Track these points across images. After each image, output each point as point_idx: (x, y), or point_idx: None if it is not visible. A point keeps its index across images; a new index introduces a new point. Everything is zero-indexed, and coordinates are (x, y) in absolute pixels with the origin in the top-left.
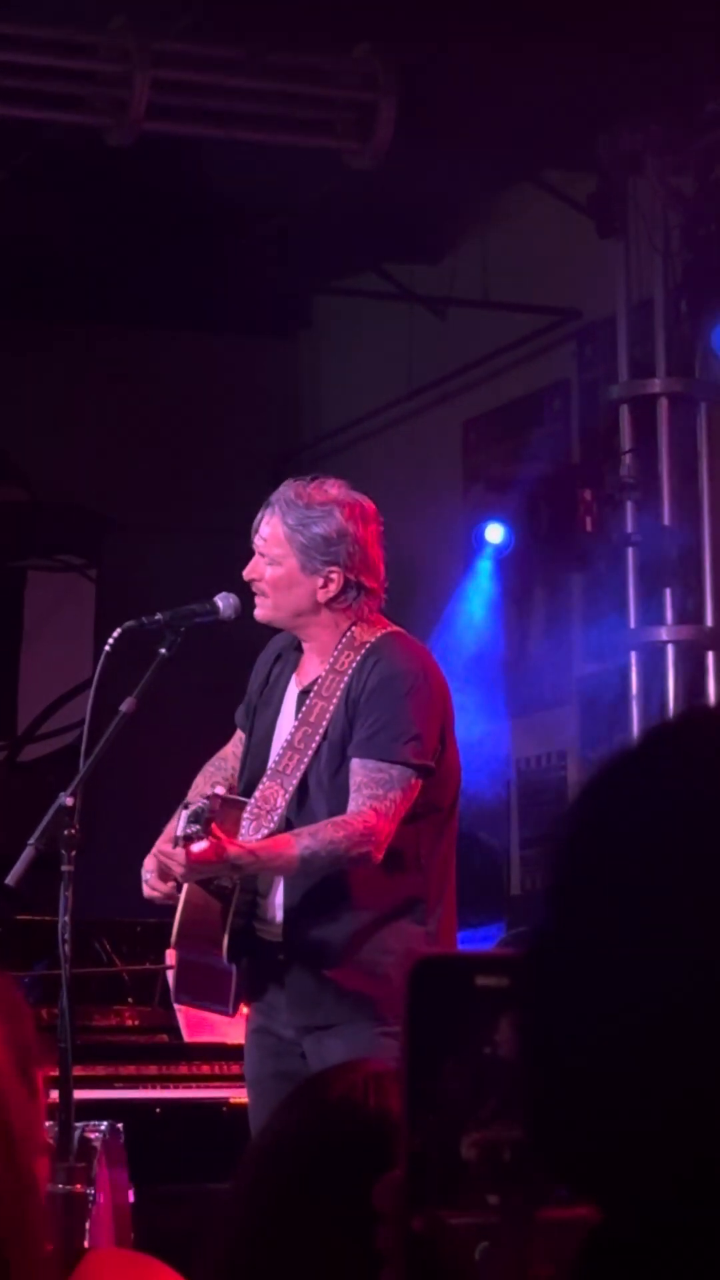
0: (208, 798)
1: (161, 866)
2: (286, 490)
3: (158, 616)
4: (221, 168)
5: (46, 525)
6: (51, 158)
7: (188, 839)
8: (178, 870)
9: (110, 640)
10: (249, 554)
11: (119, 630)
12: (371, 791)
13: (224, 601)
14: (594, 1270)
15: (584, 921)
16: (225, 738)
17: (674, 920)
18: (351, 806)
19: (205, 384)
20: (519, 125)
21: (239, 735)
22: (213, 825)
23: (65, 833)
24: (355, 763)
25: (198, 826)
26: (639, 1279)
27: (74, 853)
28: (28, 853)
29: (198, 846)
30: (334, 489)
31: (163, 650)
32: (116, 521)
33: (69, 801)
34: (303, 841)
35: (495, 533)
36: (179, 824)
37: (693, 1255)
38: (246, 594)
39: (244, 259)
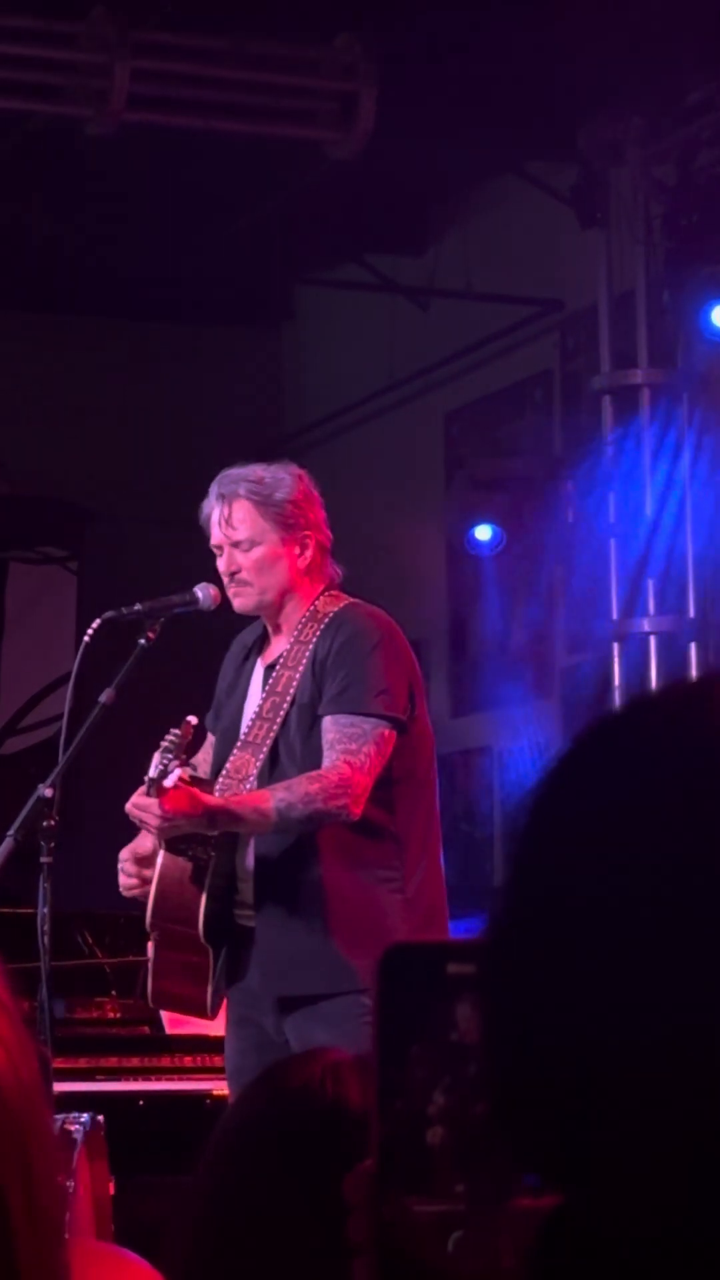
0: (180, 727)
1: (136, 821)
2: (231, 476)
3: (137, 606)
4: (202, 158)
5: (27, 517)
6: (31, 148)
7: (161, 775)
8: (153, 822)
9: (89, 631)
10: None
11: (98, 621)
12: (345, 746)
13: (203, 592)
14: (553, 1254)
15: (542, 903)
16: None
17: (635, 901)
18: (325, 762)
19: (187, 375)
20: (500, 116)
21: (210, 741)
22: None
23: (44, 824)
24: (326, 720)
25: (169, 757)
26: (601, 1263)
27: (53, 844)
28: (6, 844)
29: (170, 779)
30: (260, 468)
31: (142, 641)
32: (98, 513)
33: (48, 793)
34: (278, 794)
35: (484, 533)
36: (151, 766)
37: (658, 1237)
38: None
39: (226, 250)
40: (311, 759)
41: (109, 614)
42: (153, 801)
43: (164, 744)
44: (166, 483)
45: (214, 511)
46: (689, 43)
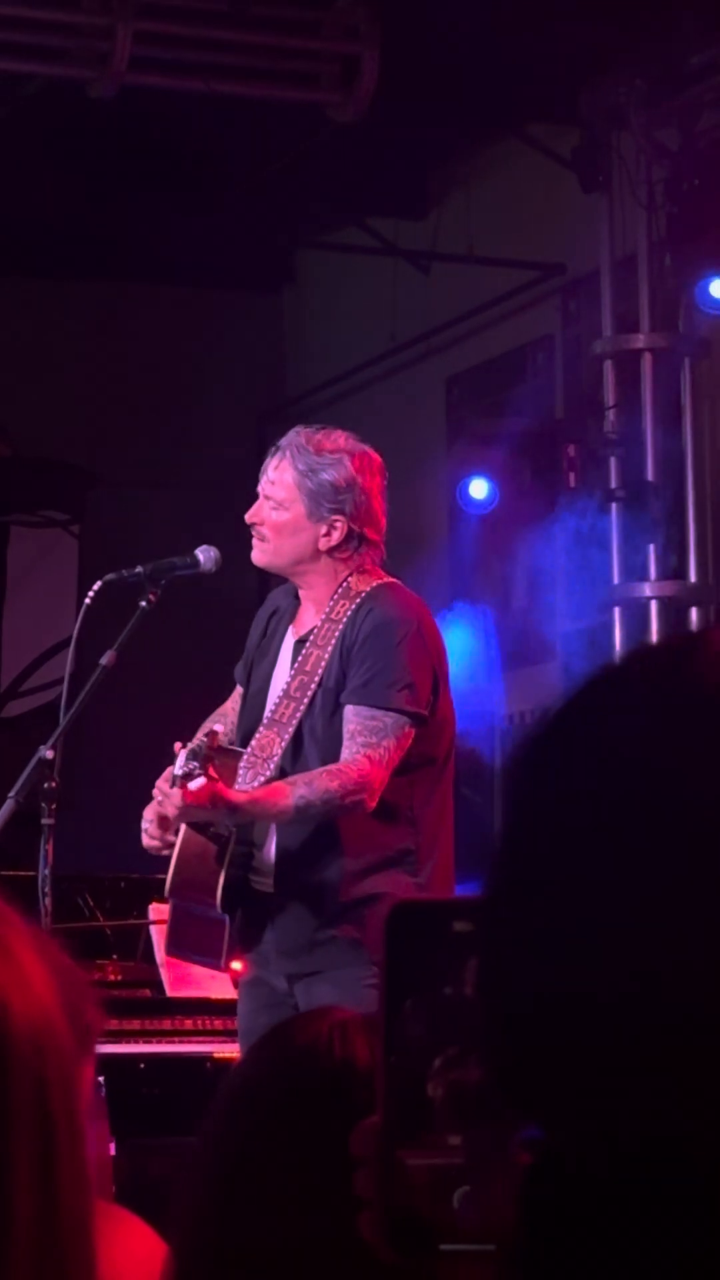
0: (206, 735)
1: (158, 808)
2: (296, 436)
3: (138, 569)
4: (204, 120)
5: (28, 480)
6: (33, 110)
7: (186, 776)
8: (172, 811)
9: (90, 593)
10: (234, 507)
11: (99, 583)
12: (365, 740)
13: (204, 554)
14: (541, 1198)
15: (536, 857)
16: (207, 690)
17: (626, 853)
18: (345, 754)
19: (189, 338)
20: (503, 79)
21: (238, 691)
22: (209, 767)
23: (45, 786)
24: (349, 710)
25: (195, 764)
26: (589, 1208)
27: (54, 806)
28: (7, 806)
29: (194, 784)
30: (342, 439)
31: (143, 603)
32: (100, 476)
33: (49, 755)
34: (297, 790)
35: (479, 488)
36: (178, 762)
37: (646, 1181)
38: (228, 547)
39: (228, 212)
40: (333, 742)
41: (110, 576)
42: (175, 791)
43: (192, 746)
44: (168, 446)
45: (268, 460)
46: (691, 6)
